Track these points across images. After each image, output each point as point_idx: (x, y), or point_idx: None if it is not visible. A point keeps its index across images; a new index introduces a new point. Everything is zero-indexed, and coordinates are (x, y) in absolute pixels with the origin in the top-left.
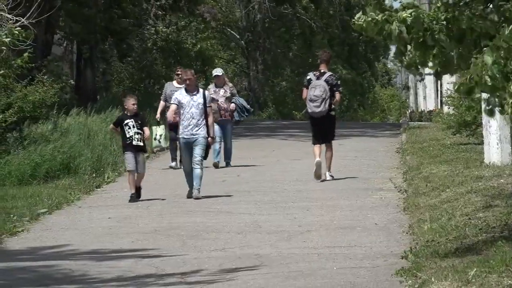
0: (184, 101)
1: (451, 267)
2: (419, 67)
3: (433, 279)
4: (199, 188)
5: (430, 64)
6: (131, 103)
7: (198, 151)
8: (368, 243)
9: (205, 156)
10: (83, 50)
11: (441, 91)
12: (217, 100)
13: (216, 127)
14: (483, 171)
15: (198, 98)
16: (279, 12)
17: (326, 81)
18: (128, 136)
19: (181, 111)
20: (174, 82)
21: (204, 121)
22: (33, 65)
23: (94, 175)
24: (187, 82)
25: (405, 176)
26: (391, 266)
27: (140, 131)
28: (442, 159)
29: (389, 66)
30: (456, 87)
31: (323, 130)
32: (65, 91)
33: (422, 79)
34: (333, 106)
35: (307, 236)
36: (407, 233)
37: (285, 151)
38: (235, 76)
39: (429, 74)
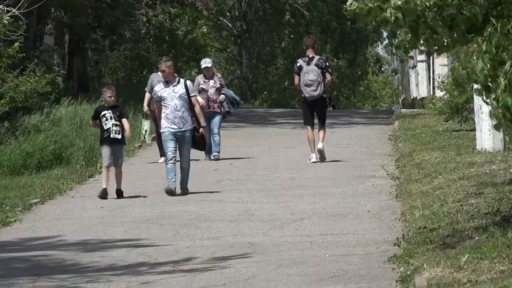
0: (165, 94)
1: (443, 253)
2: (410, 50)
3: (425, 266)
4: (187, 187)
5: (422, 48)
6: (107, 95)
7: (185, 152)
8: (360, 230)
9: (203, 148)
10: (74, 40)
11: (433, 78)
12: (207, 91)
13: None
14: (475, 157)
15: (180, 88)
16: (271, 2)
17: (317, 65)
18: (105, 128)
19: (164, 104)
20: (160, 73)
21: (190, 112)
22: (25, 55)
23: (86, 164)
24: (163, 74)
25: (397, 163)
26: (383, 253)
27: (119, 123)
28: (435, 145)
29: (381, 54)
30: (451, 78)
31: (317, 112)
32: (57, 81)
33: (415, 66)
34: (325, 88)
35: (299, 224)
36: (399, 220)
37: (278, 139)
38: (227, 65)
39: (422, 61)
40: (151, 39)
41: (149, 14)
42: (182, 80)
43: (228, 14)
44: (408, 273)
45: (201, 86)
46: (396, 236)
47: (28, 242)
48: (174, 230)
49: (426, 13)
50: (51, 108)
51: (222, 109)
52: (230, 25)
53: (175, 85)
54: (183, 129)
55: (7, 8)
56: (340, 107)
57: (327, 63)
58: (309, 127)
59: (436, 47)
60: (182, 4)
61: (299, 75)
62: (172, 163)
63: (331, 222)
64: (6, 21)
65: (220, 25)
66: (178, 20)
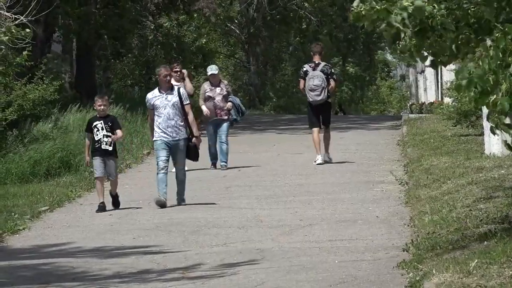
0: (158, 102)
1: (452, 258)
2: (414, 54)
3: (434, 271)
4: (184, 198)
5: (425, 53)
6: (97, 104)
7: (180, 160)
8: (369, 236)
9: (197, 158)
10: (82, 47)
11: (441, 83)
12: (214, 98)
13: (211, 129)
14: (483, 162)
15: (173, 97)
16: (278, 7)
17: (322, 71)
18: (97, 139)
19: (156, 113)
20: (172, 81)
21: (183, 121)
22: (32, 63)
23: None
24: (167, 78)
25: (406, 168)
26: (392, 259)
27: (110, 134)
28: (443, 150)
29: (389, 59)
30: (460, 80)
31: (322, 115)
32: (65, 89)
33: (423, 71)
34: (329, 93)
35: (308, 230)
36: (408, 225)
37: (286, 145)
38: (235, 71)
39: (430, 66)
40: (159, 46)
41: (157, 21)
42: (176, 88)
43: (236, 21)
44: (417, 278)
45: (207, 93)
46: (405, 241)
47: (37, 250)
48: (183, 237)
49: (436, 13)
50: (59, 115)
51: (230, 117)
52: (237, 31)
53: (169, 93)
54: (176, 138)
55: (15, 16)
56: (350, 113)
57: (332, 70)
58: (314, 130)
59: (440, 56)
60: (188, 13)
61: (304, 79)
62: (163, 173)
63: (340, 228)
64: (14, 30)
65: (228, 31)
66: (185, 28)
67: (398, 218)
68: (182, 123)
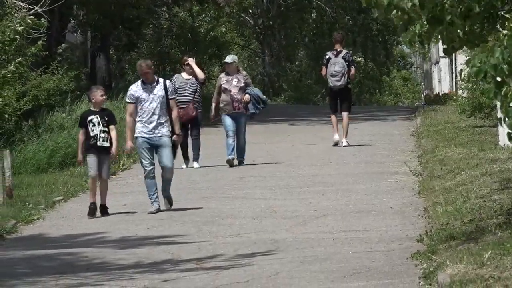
0: (143, 95)
1: (466, 249)
2: (424, 41)
3: (448, 262)
4: (169, 196)
5: (435, 39)
6: (99, 94)
7: (166, 158)
8: (383, 227)
9: (174, 156)
10: (97, 37)
11: (455, 74)
12: (230, 91)
13: (229, 120)
14: (498, 153)
15: (159, 90)
16: None
17: (343, 58)
18: (92, 135)
19: (139, 107)
20: (183, 74)
21: (167, 116)
22: (47, 53)
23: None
24: (145, 76)
25: (420, 159)
26: (406, 250)
27: (107, 129)
28: (457, 141)
29: (405, 50)
30: (470, 69)
31: (341, 100)
32: (79, 79)
33: (437, 62)
34: (349, 79)
35: (322, 220)
36: (422, 216)
37: (300, 136)
38: (249, 62)
39: (444, 57)
40: (173, 36)
41: (172, 11)
42: (161, 81)
43: (250, 11)
44: (431, 269)
45: (223, 85)
46: (419, 232)
47: (51, 240)
48: (197, 227)
49: (445, 2)
50: (73, 105)
51: (247, 111)
52: (252, 22)
53: (154, 86)
54: (159, 135)
55: (30, 6)
56: (361, 104)
57: (353, 57)
58: (333, 115)
59: (450, 43)
60: (201, 3)
61: (326, 66)
62: (151, 177)
63: (354, 219)
64: (30, 20)
65: (243, 22)
66: (200, 18)
67: (412, 209)
68: (166, 120)
